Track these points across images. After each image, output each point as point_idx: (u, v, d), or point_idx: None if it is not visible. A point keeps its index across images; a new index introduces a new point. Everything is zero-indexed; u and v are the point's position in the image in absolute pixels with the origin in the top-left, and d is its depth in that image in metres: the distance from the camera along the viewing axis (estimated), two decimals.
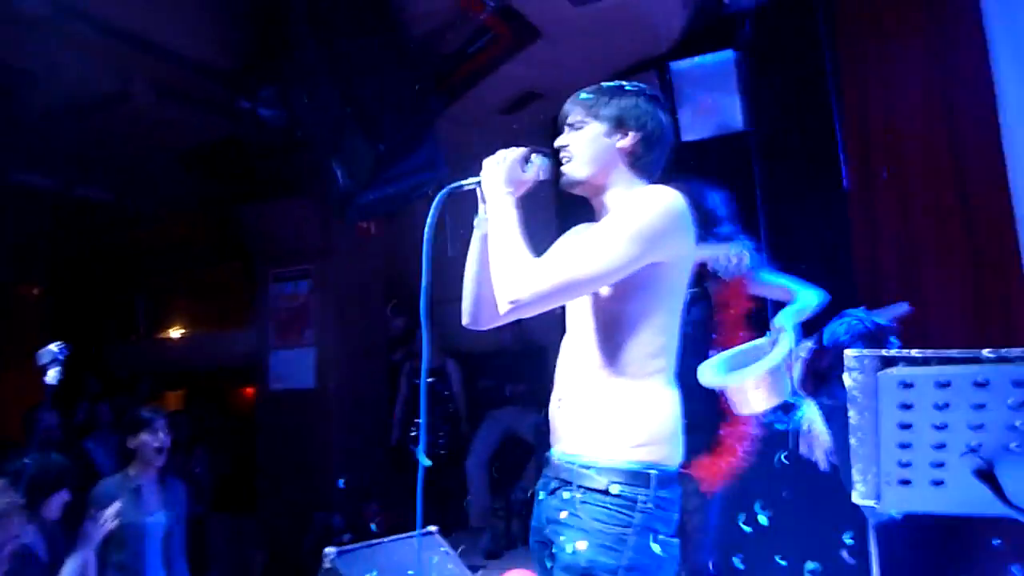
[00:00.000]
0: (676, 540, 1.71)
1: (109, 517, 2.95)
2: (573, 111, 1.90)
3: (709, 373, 2.57)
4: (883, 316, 3.22)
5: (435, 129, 4.80)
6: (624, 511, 1.64)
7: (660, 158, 1.89)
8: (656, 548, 1.64)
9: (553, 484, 1.78)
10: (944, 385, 1.19)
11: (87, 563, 2.85)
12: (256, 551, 5.80)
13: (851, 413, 1.25)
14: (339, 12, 4.05)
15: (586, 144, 1.86)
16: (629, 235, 1.66)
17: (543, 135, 6.64)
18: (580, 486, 1.69)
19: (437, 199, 1.85)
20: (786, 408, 3.73)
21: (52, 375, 2.80)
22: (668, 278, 1.73)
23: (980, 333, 4.35)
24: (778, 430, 3.67)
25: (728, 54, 4.97)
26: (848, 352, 1.20)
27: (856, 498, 1.34)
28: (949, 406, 1.21)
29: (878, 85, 4.82)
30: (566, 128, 1.91)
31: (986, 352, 1.16)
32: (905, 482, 1.30)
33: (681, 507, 1.75)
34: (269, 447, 6.29)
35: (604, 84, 1.92)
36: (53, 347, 2.78)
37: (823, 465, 3.48)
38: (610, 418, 1.71)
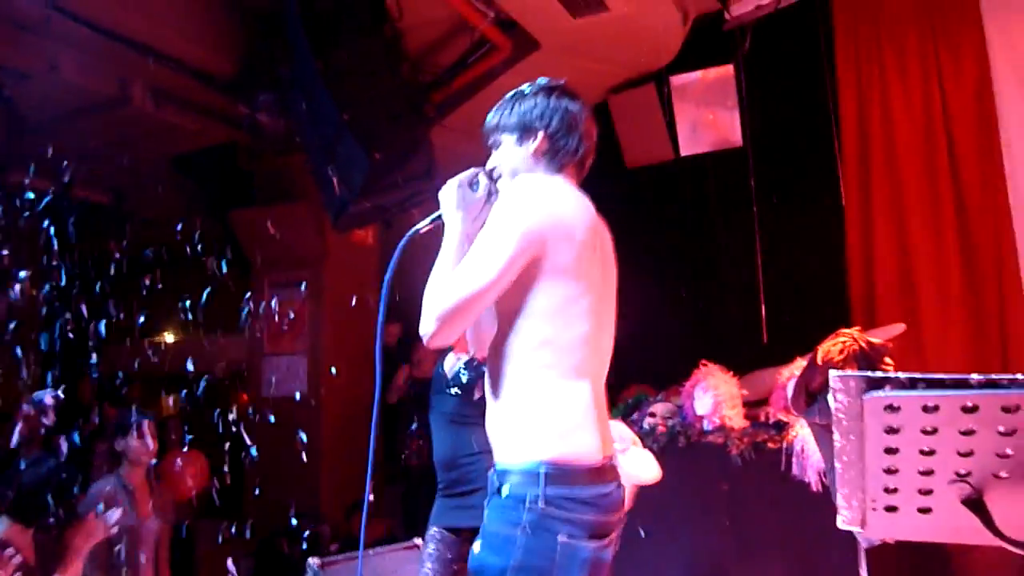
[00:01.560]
0: (589, 545, 1.59)
1: (109, 521, 2.88)
2: (489, 131, 1.89)
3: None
4: (878, 336, 3.19)
5: (431, 138, 4.79)
6: (512, 512, 1.58)
7: (578, 145, 1.84)
8: (552, 551, 1.56)
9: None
10: (932, 409, 1.16)
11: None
12: (243, 558, 5.74)
13: (836, 436, 1.21)
14: (337, 21, 4.05)
15: (506, 160, 1.85)
16: (500, 234, 1.65)
17: None
18: (489, 492, 1.69)
19: (400, 245, 1.83)
20: (780, 427, 3.70)
21: (48, 419, 2.81)
22: (544, 266, 1.66)
23: (977, 354, 4.33)
24: (771, 450, 3.64)
25: (727, 68, 4.97)
26: (833, 373, 1.17)
27: (841, 523, 1.31)
28: (937, 431, 1.18)
29: (876, 100, 4.82)
30: (494, 153, 1.90)
31: (975, 376, 1.13)
32: (891, 508, 1.27)
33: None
34: (260, 453, 6.24)
35: (507, 95, 1.89)
36: (49, 399, 2.75)
37: (816, 486, 3.45)
38: (505, 420, 1.69)
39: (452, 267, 1.72)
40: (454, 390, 3.10)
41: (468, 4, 4.46)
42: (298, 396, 6.14)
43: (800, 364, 3.41)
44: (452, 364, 3.16)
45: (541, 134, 1.81)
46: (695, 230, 5.52)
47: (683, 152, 5.20)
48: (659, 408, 4.21)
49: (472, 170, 1.86)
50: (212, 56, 4.86)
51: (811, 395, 3.00)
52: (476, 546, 1.63)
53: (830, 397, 1.17)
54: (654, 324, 5.52)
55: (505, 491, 1.61)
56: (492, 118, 1.88)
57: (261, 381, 6.34)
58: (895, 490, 1.25)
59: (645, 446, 4.02)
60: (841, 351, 2.86)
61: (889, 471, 1.23)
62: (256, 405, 6.40)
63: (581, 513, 1.58)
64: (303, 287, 6.30)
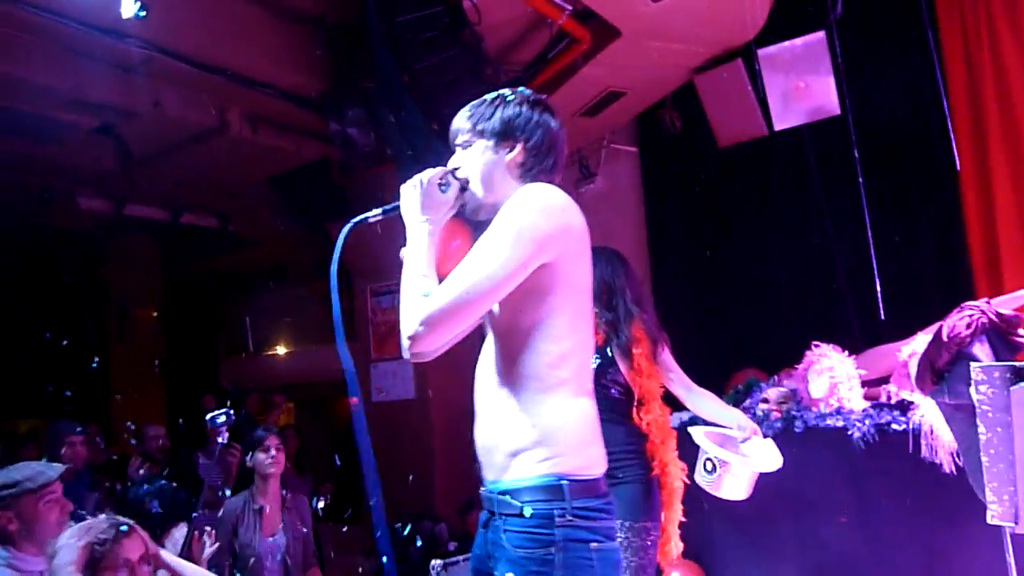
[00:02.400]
0: (615, 546, 1.63)
1: (214, 541, 3.03)
2: (459, 129, 1.80)
3: (705, 441, 2.81)
4: (1006, 305, 2.98)
5: None
6: (543, 530, 1.56)
7: (553, 164, 1.78)
8: (590, 561, 1.56)
9: (485, 516, 1.73)
10: None
11: None
12: (365, 560, 5.93)
13: (981, 429, 1.14)
14: (418, 31, 4.10)
15: (475, 164, 1.76)
16: (510, 239, 1.58)
17: (628, 133, 6.56)
18: (502, 514, 1.63)
19: (342, 234, 1.77)
20: (904, 408, 3.53)
21: (223, 437, 2.99)
22: (559, 279, 1.63)
23: None
24: (895, 431, 3.47)
25: (819, 34, 4.75)
26: (975, 366, 1.10)
27: (992, 519, 1.23)
28: None
29: (986, 52, 4.51)
30: (456, 148, 1.81)
31: None
32: None
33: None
34: (373, 457, 6.42)
35: (487, 95, 1.81)
36: (222, 417, 2.92)
37: (948, 468, 3.27)
38: (518, 438, 1.63)
39: (426, 269, 1.66)
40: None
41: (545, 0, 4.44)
42: (407, 399, 6.28)
43: (922, 339, 3.23)
44: None
45: (520, 146, 1.74)
46: (797, 206, 5.32)
47: (777, 126, 5.01)
48: (772, 393, 4.08)
49: (440, 169, 1.77)
50: (302, 78, 5.02)
51: (937, 373, 2.84)
52: (509, 575, 1.59)
53: (972, 389, 1.11)
54: (760, 307, 5.37)
55: (528, 511, 1.57)
56: (466, 117, 1.79)
57: (370, 387, 6.51)
58: None
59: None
60: (968, 325, 2.68)
61: None
62: (366, 411, 6.59)
63: (601, 521, 1.61)
64: None
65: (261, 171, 6.25)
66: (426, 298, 1.59)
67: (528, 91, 1.83)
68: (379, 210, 1.80)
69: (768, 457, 2.83)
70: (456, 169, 1.78)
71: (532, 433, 1.62)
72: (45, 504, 2.43)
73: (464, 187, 1.77)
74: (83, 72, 4.50)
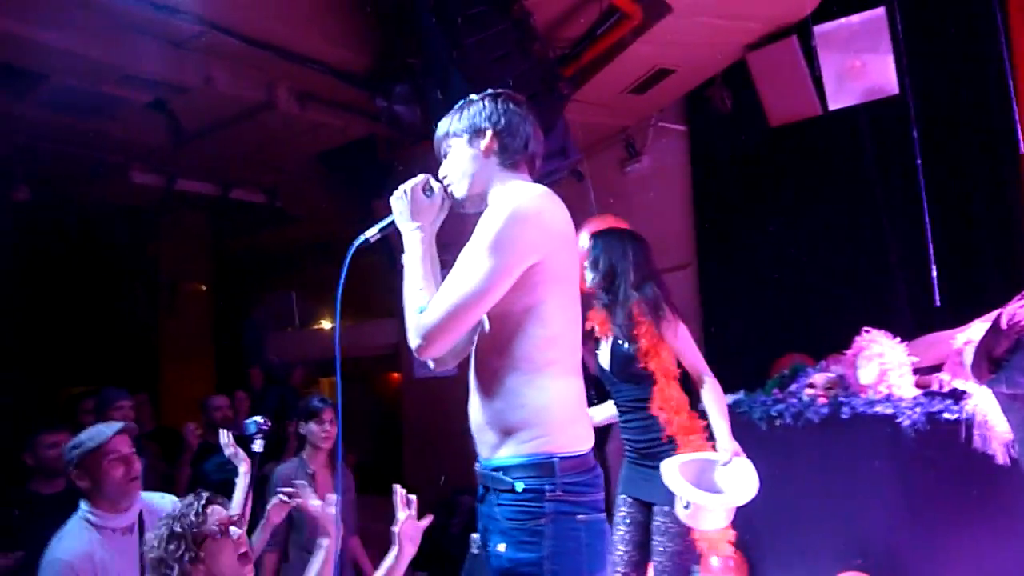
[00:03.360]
0: (600, 516, 1.77)
1: (289, 498, 3.10)
2: (440, 142, 1.95)
3: (675, 480, 2.76)
4: None
5: (565, 115, 4.74)
6: (534, 504, 1.69)
7: (526, 146, 1.90)
8: (578, 531, 1.69)
9: (480, 492, 1.86)
10: None
11: (265, 541, 3.02)
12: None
13: None
14: (466, 5, 4.07)
15: (456, 162, 1.91)
16: (491, 250, 1.69)
17: (676, 112, 6.44)
18: (495, 490, 1.76)
19: (347, 257, 1.89)
20: (956, 397, 3.44)
21: (258, 445, 3.04)
22: (546, 272, 1.74)
23: None
24: (947, 421, 3.39)
25: (878, 11, 4.59)
26: None
27: None
28: None
29: None
30: (441, 160, 1.96)
31: None
32: None
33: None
34: (414, 432, 6.49)
35: (456, 104, 1.97)
36: (258, 418, 2.99)
37: (1001, 459, 3.19)
38: (509, 417, 1.75)
39: (421, 282, 1.80)
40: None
41: None
42: (448, 375, 6.31)
43: (979, 327, 3.14)
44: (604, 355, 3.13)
45: (490, 132, 1.88)
46: (851, 187, 5.17)
47: (831, 106, 4.86)
48: (819, 378, 4.00)
49: (421, 176, 1.91)
50: (349, 54, 5.03)
51: (995, 362, 2.75)
52: (501, 546, 1.71)
53: None
54: (809, 291, 5.26)
55: (520, 487, 1.70)
56: (441, 127, 1.95)
57: (413, 363, 6.56)
58: None
59: (803, 419, 3.87)
60: None
61: None
62: (409, 385, 6.66)
63: (590, 495, 1.75)
64: (445, 270, 6.46)
65: (309, 147, 6.30)
66: (422, 313, 1.74)
67: (490, 90, 1.97)
68: (375, 228, 1.93)
69: (743, 487, 2.78)
70: (435, 175, 1.92)
71: (523, 412, 1.73)
72: (109, 462, 2.56)
73: (447, 188, 1.92)
74: (136, 48, 4.58)
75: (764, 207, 5.64)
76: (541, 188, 1.82)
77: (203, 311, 8.97)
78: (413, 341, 1.74)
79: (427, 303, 1.75)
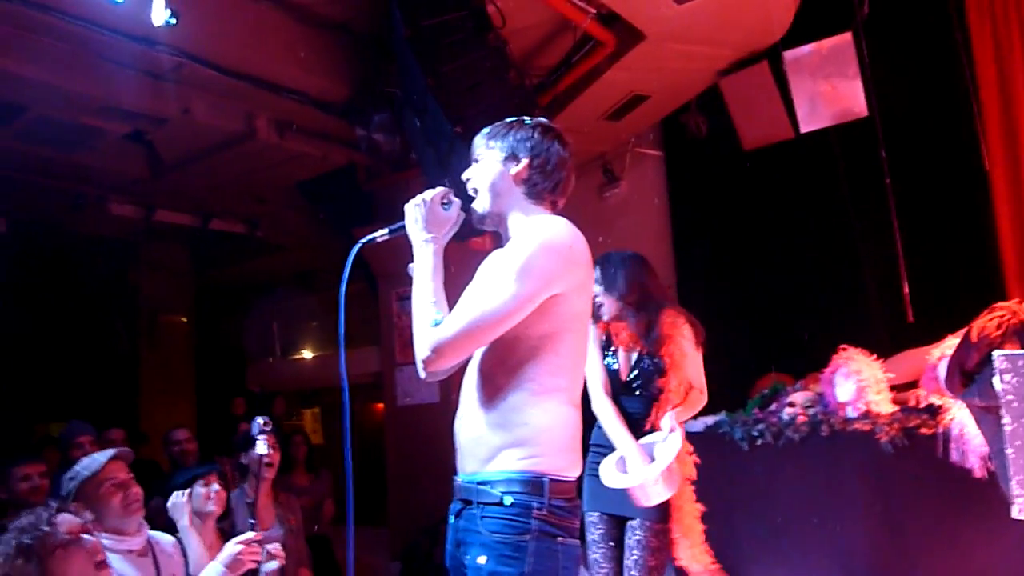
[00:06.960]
0: (576, 543, 1.78)
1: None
2: (476, 146, 1.97)
3: (610, 476, 2.82)
4: None
5: None
6: (520, 519, 1.70)
7: (556, 186, 1.92)
8: (556, 552, 1.71)
9: (458, 506, 1.84)
10: None
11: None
12: (389, 563, 5.95)
13: (1005, 419, 1.13)
14: (442, 35, 4.12)
15: (484, 175, 1.93)
16: (518, 277, 1.72)
17: (652, 137, 6.54)
18: (479, 503, 1.75)
19: (351, 255, 1.92)
20: (933, 412, 3.48)
21: (261, 446, 2.96)
22: (568, 304, 1.78)
23: None
24: (924, 435, 3.42)
25: (845, 36, 4.72)
26: (997, 353, 1.09)
27: (1017, 513, 1.21)
28: None
29: (1018, 51, 4.44)
30: (473, 163, 1.98)
31: None
32: None
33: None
34: (399, 460, 6.44)
35: (507, 119, 1.98)
36: (260, 420, 2.98)
37: (979, 472, 3.22)
38: (508, 434, 1.75)
39: (433, 295, 1.84)
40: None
41: (568, 2, 4.44)
42: (431, 403, 6.30)
43: (951, 343, 3.18)
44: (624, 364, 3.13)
45: (525, 162, 1.89)
46: (824, 208, 5.26)
47: (803, 129, 4.96)
48: (798, 397, 4.04)
49: (441, 188, 1.91)
50: (328, 83, 5.07)
51: (967, 375, 2.79)
52: (482, 559, 1.71)
53: (995, 379, 1.09)
54: (786, 311, 5.32)
55: (508, 500, 1.70)
56: (484, 135, 1.96)
57: (395, 391, 6.54)
58: None
59: (784, 438, 3.89)
60: (999, 326, 2.63)
61: None
62: (392, 414, 6.62)
63: (569, 520, 1.77)
64: None
65: (288, 176, 6.31)
66: (435, 328, 1.76)
67: (545, 120, 1.99)
68: (385, 230, 1.95)
69: (669, 445, 2.78)
70: (456, 189, 1.94)
71: (524, 430, 1.74)
72: (106, 489, 2.56)
73: (465, 205, 1.93)
74: (114, 79, 4.58)
75: (740, 229, 5.72)
76: (567, 222, 1.84)
77: (184, 342, 8.90)
78: (422, 352, 1.75)
79: (440, 317, 1.77)
